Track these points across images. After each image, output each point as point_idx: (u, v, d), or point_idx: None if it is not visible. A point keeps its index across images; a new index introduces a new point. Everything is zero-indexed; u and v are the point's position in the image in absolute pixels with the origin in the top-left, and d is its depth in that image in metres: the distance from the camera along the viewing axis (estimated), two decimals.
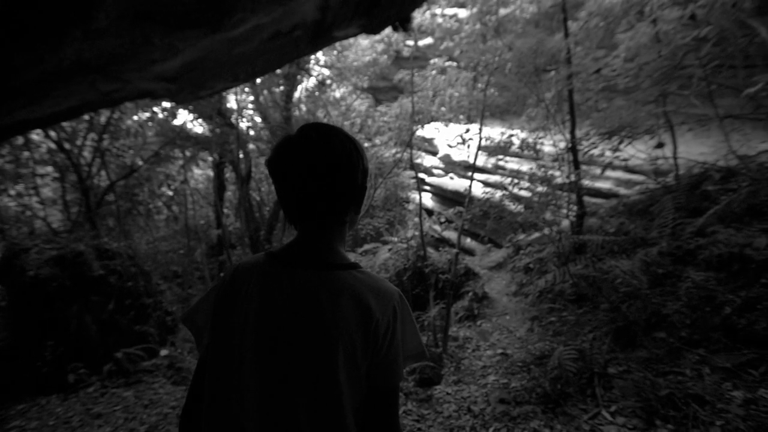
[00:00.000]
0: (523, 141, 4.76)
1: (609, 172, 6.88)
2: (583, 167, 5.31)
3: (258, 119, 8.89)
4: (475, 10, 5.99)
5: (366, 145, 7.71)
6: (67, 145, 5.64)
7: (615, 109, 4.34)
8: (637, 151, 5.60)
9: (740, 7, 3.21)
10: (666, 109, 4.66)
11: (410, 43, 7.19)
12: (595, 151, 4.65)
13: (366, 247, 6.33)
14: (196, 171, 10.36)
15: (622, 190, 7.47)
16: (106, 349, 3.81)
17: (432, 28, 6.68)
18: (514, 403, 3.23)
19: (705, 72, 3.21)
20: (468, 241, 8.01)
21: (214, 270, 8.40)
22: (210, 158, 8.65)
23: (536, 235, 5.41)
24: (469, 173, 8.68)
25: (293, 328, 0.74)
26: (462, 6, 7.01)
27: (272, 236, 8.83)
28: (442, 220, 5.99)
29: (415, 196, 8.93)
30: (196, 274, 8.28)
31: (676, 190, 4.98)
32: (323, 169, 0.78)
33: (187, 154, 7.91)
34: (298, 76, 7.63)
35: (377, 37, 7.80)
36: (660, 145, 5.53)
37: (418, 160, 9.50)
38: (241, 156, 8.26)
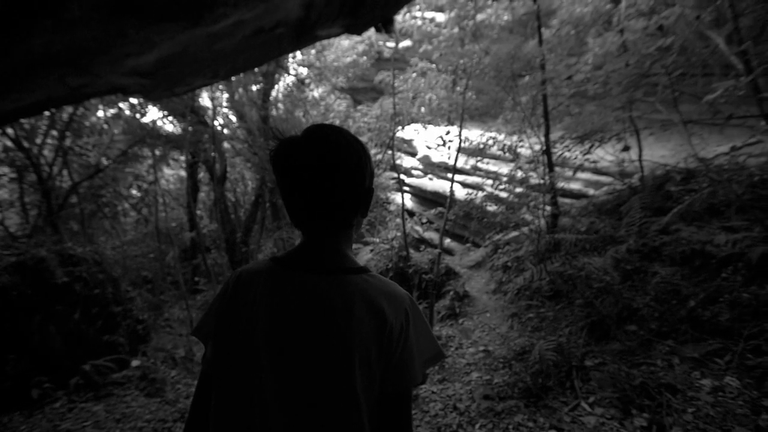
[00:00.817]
0: (504, 145, 4.89)
1: (579, 174, 7.20)
2: (557, 169, 5.53)
3: (233, 118, 8.65)
4: (453, 14, 6.11)
5: None
6: (25, 143, 5.25)
7: (587, 115, 4.55)
8: (605, 154, 5.89)
9: (701, 20, 3.46)
10: (632, 115, 4.94)
11: (391, 44, 7.24)
12: (568, 154, 4.85)
13: None
14: (167, 171, 9.92)
15: (591, 191, 7.85)
16: (72, 361, 3.58)
17: (411, 30, 6.76)
18: (498, 398, 3.31)
19: (670, 80, 3.43)
20: (447, 242, 8.14)
21: (188, 275, 8.08)
22: (182, 158, 8.30)
23: (513, 234, 5.58)
24: (448, 174, 8.84)
25: (307, 335, 0.72)
26: (440, 10, 7.14)
27: (249, 238, 8.61)
28: (424, 220, 6.05)
29: (395, 197, 9.00)
30: (168, 280, 7.93)
31: (642, 191, 5.29)
32: (337, 170, 0.77)
33: (157, 153, 7.57)
34: (276, 75, 7.48)
35: (358, 38, 7.78)
36: (626, 149, 5.85)
37: (398, 161, 9.58)
38: (215, 155, 7.99)
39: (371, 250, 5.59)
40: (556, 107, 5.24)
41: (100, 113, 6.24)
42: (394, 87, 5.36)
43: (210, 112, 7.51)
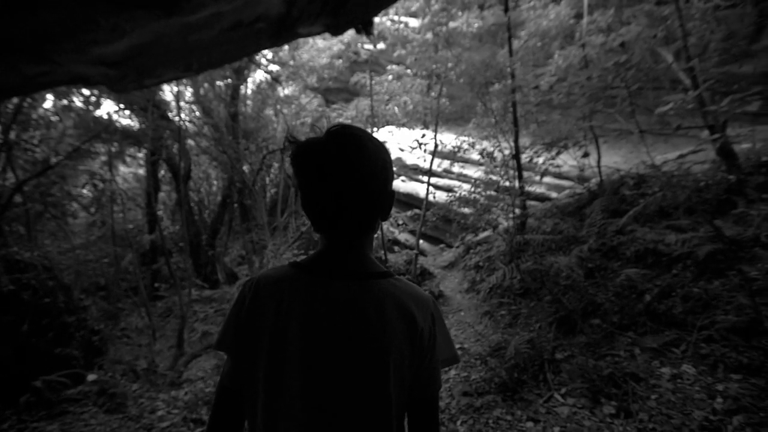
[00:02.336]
0: (483, 150, 5.07)
1: (543, 178, 7.62)
2: (524, 173, 5.81)
3: (198, 113, 8.24)
4: (426, 20, 6.24)
5: None
6: None
7: (554, 123, 4.84)
8: (567, 160, 6.28)
9: (655, 38, 3.81)
10: (592, 124, 5.31)
11: (369, 46, 7.26)
12: (537, 159, 5.12)
13: None
14: (123, 169, 9.25)
15: (554, 194, 8.31)
16: (21, 377, 3.24)
17: (387, 33, 6.82)
18: (477, 394, 3.41)
19: (629, 93, 3.73)
20: (420, 243, 8.29)
21: (147, 280, 7.56)
22: (140, 154, 7.76)
23: (484, 234, 5.79)
24: (420, 177, 8.98)
25: (341, 342, 0.71)
26: (413, 15, 7.27)
27: (216, 241, 8.22)
28: (400, 222, 6.13)
29: None
30: (123, 286, 7.39)
31: (601, 195, 5.69)
32: (369, 174, 0.76)
33: (113, 149, 7.02)
34: (246, 71, 7.24)
35: (333, 39, 7.72)
36: (586, 155, 6.27)
37: None
38: (179, 153, 7.55)
39: None
40: (524, 115, 5.51)
41: (49, 104, 5.70)
42: (372, 89, 5.38)
43: (173, 107, 7.12)
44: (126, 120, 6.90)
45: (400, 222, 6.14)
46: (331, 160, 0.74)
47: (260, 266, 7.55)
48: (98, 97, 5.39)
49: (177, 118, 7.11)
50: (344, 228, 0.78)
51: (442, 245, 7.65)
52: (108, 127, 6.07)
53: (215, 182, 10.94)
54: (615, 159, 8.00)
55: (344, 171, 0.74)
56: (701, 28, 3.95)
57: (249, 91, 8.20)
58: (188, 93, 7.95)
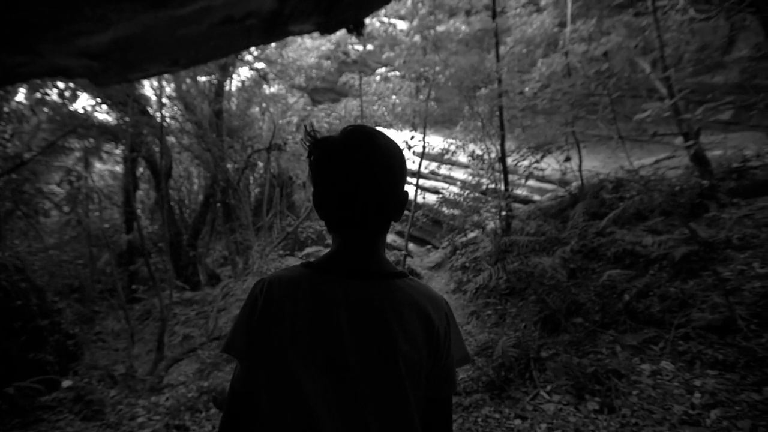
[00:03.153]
0: (473, 152, 5.15)
1: (523, 181, 7.81)
2: (510, 176, 5.94)
3: (178, 110, 8.00)
4: (415, 23, 6.30)
5: (307, 145, 7.46)
6: None
7: (539, 127, 4.96)
8: (550, 164, 6.46)
9: (634, 48, 3.97)
10: (574, 130, 5.48)
11: (358, 47, 7.26)
12: (523, 163, 5.25)
13: (308, 250, 6.13)
14: (98, 166, 8.88)
15: (536, 196, 8.53)
16: None
17: (376, 34, 6.84)
18: (465, 393, 3.46)
19: (611, 100, 3.89)
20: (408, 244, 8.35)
21: (124, 282, 7.27)
22: (117, 151, 7.47)
23: (472, 234, 5.88)
24: (408, 178, 8.98)
25: (361, 342, 0.71)
26: (402, 18, 7.32)
27: (197, 241, 7.99)
28: None
29: None
30: (98, 288, 7.09)
31: (583, 198, 5.87)
32: (389, 174, 0.76)
33: (88, 144, 6.73)
34: (231, 68, 7.10)
35: (322, 39, 7.67)
36: (568, 159, 6.47)
37: None
38: (159, 150, 7.31)
39: None
40: (510, 119, 5.64)
41: (21, 97, 5.42)
42: (361, 89, 5.38)
43: (154, 102, 6.89)
44: (103, 115, 6.64)
45: None
46: (349, 159, 0.75)
47: (244, 267, 7.40)
48: (74, 91, 5.17)
49: (158, 114, 6.89)
50: (359, 228, 0.78)
51: (428, 246, 7.72)
52: (84, 121, 5.81)
53: (197, 181, 10.65)
54: (594, 163, 8.28)
55: (362, 170, 0.74)
56: (677, 39, 4.15)
57: (234, 88, 8.04)
58: (169, 88, 7.72)
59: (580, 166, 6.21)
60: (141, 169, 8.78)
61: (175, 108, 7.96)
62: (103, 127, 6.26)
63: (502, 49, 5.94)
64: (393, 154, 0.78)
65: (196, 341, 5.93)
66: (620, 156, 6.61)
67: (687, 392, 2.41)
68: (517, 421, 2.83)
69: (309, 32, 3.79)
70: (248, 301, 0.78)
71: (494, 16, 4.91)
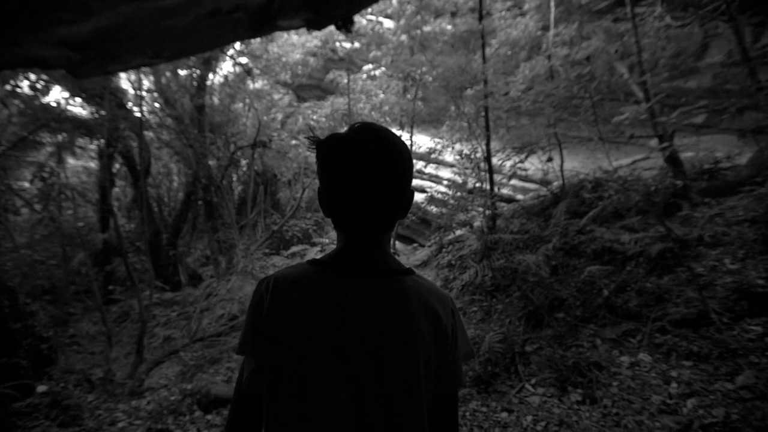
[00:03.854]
0: (461, 151, 5.22)
1: (507, 180, 7.99)
2: (495, 176, 6.06)
3: (157, 104, 7.73)
4: (402, 22, 6.32)
5: (293, 142, 7.43)
6: None
7: (523, 128, 5.08)
8: (533, 164, 6.63)
9: (614, 53, 4.13)
10: (556, 131, 5.64)
11: (346, 44, 7.21)
12: (508, 162, 5.36)
13: (294, 249, 6.06)
14: (71, 161, 8.49)
15: (519, 196, 8.72)
16: None
17: (363, 31, 6.82)
18: None
19: (592, 103, 4.03)
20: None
21: (99, 283, 6.99)
22: (92, 146, 7.16)
23: (459, 232, 5.97)
24: None
25: (372, 338, 0.71)
26: (388, 17, 7.32)
27: (178, 240, 7.76)
28: None
29: None
30: (71, 289, 6.80)
31: (565, 197, 6.05)
32: (392, 170, 0.76)
33: (61, 139, 6.41)
34: (214, 61, 6.92)
35: (308, 35, 7.58)
36: (550, 159, 6.65)
37: None
38: (137, 145, 7.05)
39: (320, 251, 5.49)
40: (495, 120, 5.74)
41: None
42: (349, 87, 5.36)
43: (132, 96, 6.64)
44: (77, 108, 6.34)
45: None
46: (358, 157, 0.74)
47: (227, 266, 7.25)
48: (47, 83, 4.90)
49: (136, 108, 6.65)
50: (367, 225, 0.77)
51: (415, 245, 7.78)
52: (58, 115, 5.52)
53: (176, 178, 10.34)
54: (574, 164, 8.53)
55: (372, 169, 0.74)
56: (654, 44, 4.33)
57: (217, 83, 7.83)
58: (148, 82, 7.45)
59: (561, 166, 6.39)
60: (117, 166, 8.46)
61: (155, 102, 7.70)
62: (77, 121, 5.97)
63: (488, 51, 6.04)
64: (401, 152, 0.78)
65: (178, 343, 5.78)
66: (599, 157, 6.84)
67: (664, 383, 2.53)
68: (504, 414, 2.90)
69: (298, 28, 3.75)
70: (253, 301, 0.77)
71: (481, 18, 5.00)
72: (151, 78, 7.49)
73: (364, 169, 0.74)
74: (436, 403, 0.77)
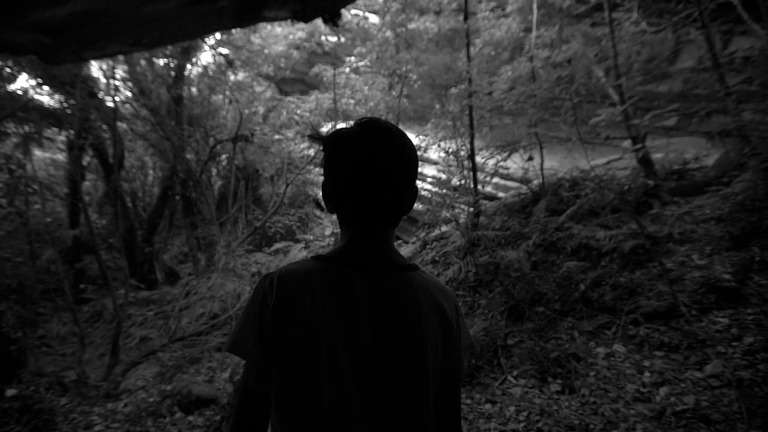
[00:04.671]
0: (449, 148, 5.27)
1: (490, 178, 8.15)
2: (478, 174, 6.17)
3: (131, 94, 7.37)
4: (387, 18, 6.30)
5: (276, 137, 7.27)
6: None
7: (507, 128, 5.19)
8: (516, 162, 6.79)
9: (593, 56, 4.29)
10: (537, 131, 5.80)
11: (332, 38, 7.10)
12: (491, 161, 5.48)
13: (277, 245, 5.96)
14: (38, 153, 8.00)
15: (501, 194, 8.92)
16: None
17: (349, 26, 6.75)
18: None
19: (573, 104, 4.17)
20: None
21: (70, 281, 6.65)
22: (61, 137, 6.77)
23: (445, 228, 6.06)
24: None
25: (383, 334, 0.71)
26: (374, 13, 7.27)
27: (154, 237, 7.47)
28: None
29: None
30: (40, 288, 6.45)
31: (545, 195, 6.24)
32: (399, 166, 0.77)
33: (27, 129, 6.04)
34: (194, 51, 6.66)
35: (293, 27, 7.42)
36: (530, 158, 6.83)
37: None
38: (110, 137, 6.72)
39: (305, 248, 5.44)
40: (479, 119, 5.84)
41: None
42: (335, 82, 5.31)
43: (104, 85, 6.31)
44: (45, 97, 5.97)
45: None
46: (366, 153, 0.74)
47: (207, 264, 7.07)
48: (13, 69, 4.58)
49: (109, 98, 6.33)
50: (374, 220, 0.77)
51: (399, 241, 7.82)
52: (25, 104, 5.19)
53: (151, 172, 9.95)
54: (552, 163, 8.78)
55: (380, 165, 0.74)
56: (629, 49, 4.52)
57: (196, 74, 7.55)
58: (121, 70, 7.09)
59: (542, 165, 6.57)
60: (87, 158, 8.04)
61: (128, 92, 7.35)
62: (45, 110, 5.63)
63: (472, 50, 6.12)
64: (408, 148, 0.78)
65: (156, 343, 5.60)
66: (575, 156, 7.07)
67: (638, 372, 2.67)
68: (488, 406, 2.99)
69: (284, 19, 3.68)
70: (255, 298, 0.76)
71: (466, 17, 5.06)
72: (125, 66, 7.15)
73: (371, 163, 0.74)
74: (440, 397, 0.78)
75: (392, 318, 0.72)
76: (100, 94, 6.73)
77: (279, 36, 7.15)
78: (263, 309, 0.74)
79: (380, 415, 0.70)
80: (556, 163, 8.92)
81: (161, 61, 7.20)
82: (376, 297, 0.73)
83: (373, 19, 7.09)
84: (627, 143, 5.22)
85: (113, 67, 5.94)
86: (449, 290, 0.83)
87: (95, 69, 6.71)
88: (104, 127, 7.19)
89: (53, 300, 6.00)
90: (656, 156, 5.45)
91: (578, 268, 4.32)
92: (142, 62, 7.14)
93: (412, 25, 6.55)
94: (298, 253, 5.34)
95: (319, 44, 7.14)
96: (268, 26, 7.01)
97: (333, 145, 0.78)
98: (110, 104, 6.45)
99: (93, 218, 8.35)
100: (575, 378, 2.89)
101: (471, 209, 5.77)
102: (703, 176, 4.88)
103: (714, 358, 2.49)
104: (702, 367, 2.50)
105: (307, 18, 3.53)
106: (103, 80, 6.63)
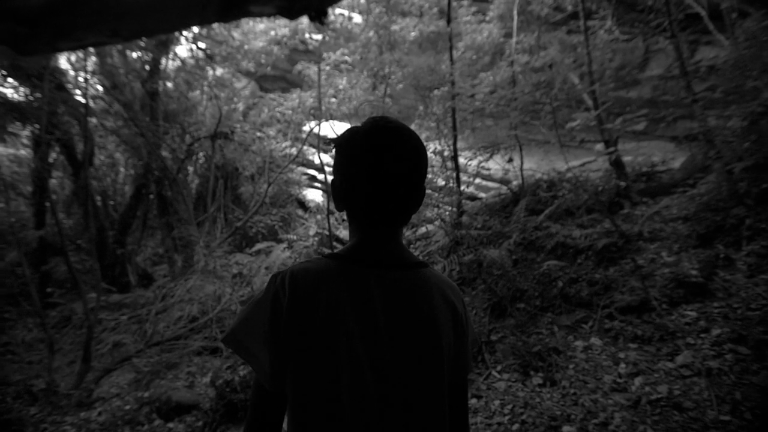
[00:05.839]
0: (435, 148, 5.33)
1: (472, 179, 8.33)
2: (461, 174, 6.29)
3: (101, 87, 7.01)
4: (370, 19, 6.32)
5: (257, 135, 7.11)
6: None
7: (488, 130, 5.32)
8: (495, 163, 6.97)
9: (570, 63, 4.48)
10: (517, 133, 5.98)
11: (317, 36, 7.02)
12: (473, 162, 5.60)
13: (258, 246, 5.84)
14: (0, 149, 7.49)
15: (482, 194, 9.12)
16: None
17: (334, 26, 6.70)
18: None
19: (552, 108, 4.33)
20: None
21: (36, 284, 6.27)
22: (26, 132, 6.36)
23: (431, 227, 6.14)
24: None
25: (400, 331, 0.72)
26: (360, 13, 7.25)
27: (126, 238, 7.14)
28: (344, 218, 6.11)
29: (306, 192, 8.75)
30: (3, 291, 6.05)
31: (525, 196, 6.44)
32: (412, 164, 0.78)
33: None
34: (170, 44, 6.42)
35: (275, 23, 7.28)
36: (510, 160, 7.02)
37: (312, 157, 9.36)
38: (79, 133, 6.37)
39: (287, 248, 5.37)
40: (461, 121, 5.96)
41: None
42: (320, 80, 5.27)
43: (73, 77, 5.98)
44: (9, 90, 5.59)
45: (344, 218, 6.11)
46: (377, 148, 0.75)
47: (184, 265, 6.84)
48: None
49: (78, 92, 6.00)
50: (386, 218, 0.78)
51: None
52: None
53: (123, 170, 9.52)
54: (530, 165, 9.07)
55: (393, 165, 0.75)
56: (602, 57, 4.74)
57: (172, 68, 7.26)
58: (92, 63, 6.74)
59: (521, 166, 6.78)
60: (54, 155, 7.61)
61: (99, 86, 7.00)
62: (9, 103, 5.27)
63: (454, 54, 6.24)
64: (418, 145, 0.78)
65: (130, 348, 5.37)
66: (551, 158, 7.35)
67: (614, 364, 2.81)
68: (473, 401, 3.06)
69: (270, 15, 3.64)
70: (266, 297, 0.74)
71: (449, 21, 5.15)
72: (95, 59, 6.81)
73: (383, 160, 0.75)
74: (450, 392, 0.78)
75: (409, 315, 0.74)
76: (69, 87, 6.39)
77: (260, 32, 7.00)
78: (275, 308, 0.73)
79: (398, 412, 0.70)
80: (534, 165, 9.23)
81: (135, 54, 6.90)
82: (392, 294, 0.74)
83: (357, 18, 7.08)
84: (600, 146, 5.47)
85: (84, 59, 5.64)
86: (456, 286, 0.85)
87: (64, 60, 6.38)
88: (73, 122, 6.83)
89: (18, 304, 5.65)
90: (627, 159, 5.73)
91: (556, 265, 4.48)
92: (115, 54, 6.82)
93: (395, 27, 6.60)
94: (281, 254, 5.26)
95: (303, 42, 7.04)
96: (250, 22, 6.87)
97: (345, 143, 0.79)
98: (80, 98, 6.13)
99: (60, 218, 7.91)
100: (556, 371, 3.01)
101: (454, 209, 5.88)
102: (670, 178, 5.18)
103: (684, 349, 2.65)
104: (673, 357, 2.66)
105: (293, 15, 3.49)
106: (73, 73, 6.29)
